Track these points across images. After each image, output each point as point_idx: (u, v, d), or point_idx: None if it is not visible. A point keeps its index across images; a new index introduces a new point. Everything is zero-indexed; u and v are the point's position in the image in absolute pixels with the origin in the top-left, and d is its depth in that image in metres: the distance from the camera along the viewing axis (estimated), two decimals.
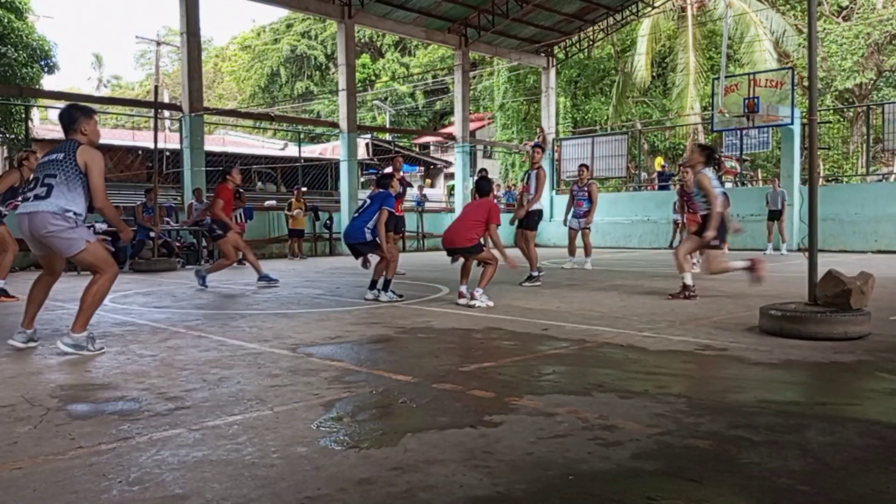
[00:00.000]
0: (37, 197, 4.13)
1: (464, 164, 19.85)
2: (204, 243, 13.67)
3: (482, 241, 6.86)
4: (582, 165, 12.03)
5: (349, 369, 3.78)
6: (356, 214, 7.30)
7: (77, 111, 4.41)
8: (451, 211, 19.83)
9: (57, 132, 22.03)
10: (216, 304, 6.88)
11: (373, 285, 7.16)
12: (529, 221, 9.19)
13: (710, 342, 4.50)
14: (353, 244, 7.19)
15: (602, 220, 14.58)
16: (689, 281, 6.99)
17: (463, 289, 6.68)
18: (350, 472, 2.23)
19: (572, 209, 11.21)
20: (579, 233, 11.24)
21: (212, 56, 47.80)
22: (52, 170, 4.19)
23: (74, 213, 4.16)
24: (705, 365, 3.90)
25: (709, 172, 6.79)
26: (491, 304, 6.44)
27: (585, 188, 11.19)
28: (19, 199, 4.87)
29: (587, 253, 11.30)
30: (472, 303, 6.43)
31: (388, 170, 10.71)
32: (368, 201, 7.31)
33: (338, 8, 16.80)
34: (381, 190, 7.38)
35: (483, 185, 7.38)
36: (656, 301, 6.75)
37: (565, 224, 11.40)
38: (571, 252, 11.33)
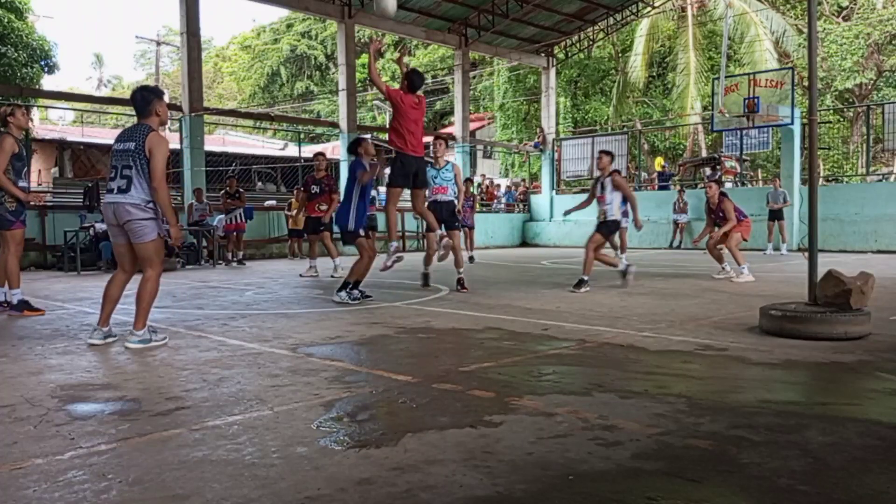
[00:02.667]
0: (119, 190, 4.37)
1: (464, 164, 19.85)
2: (205, 243, 13.68)
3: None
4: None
5: (349, 369, 3.77)
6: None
7: (149, 92, 4.55)
8: None
9: (57, 132, 22.04)
10: (216, 304, 6.88)
11: (353, 285, 6.82)
12: (607, 228, 8.44)
13: (710, 342, 4.50)
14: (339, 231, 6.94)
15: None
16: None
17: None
18: (350, 472, 2.23)
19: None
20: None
21: (212, 56, 47.78)
22: (127, 160, 4.37)
23: (154, 204, 4.41)
24: (705, 365, 3.90)
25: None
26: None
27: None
28: (43, 187, 4.95)
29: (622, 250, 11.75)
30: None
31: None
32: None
33: (338, 8, 16.80)
34: (353, 159, 7.00)
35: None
36: (656, 301, 6.75)
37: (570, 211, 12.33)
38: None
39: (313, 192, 9.87)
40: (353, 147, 7.09)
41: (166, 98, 5.32)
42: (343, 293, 6.69)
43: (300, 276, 9.86)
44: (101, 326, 4.59)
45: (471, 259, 12.55)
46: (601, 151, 8.59)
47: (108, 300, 4.61)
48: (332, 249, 10.07)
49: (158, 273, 4.53)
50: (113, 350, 4.38)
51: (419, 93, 7.21)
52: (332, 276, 9.55)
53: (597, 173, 8.92)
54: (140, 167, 4.34)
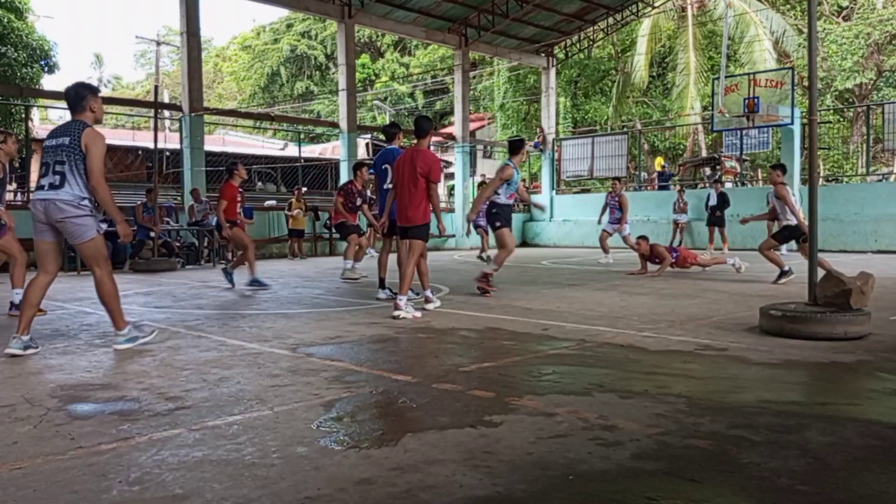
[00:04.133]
0: (51, 186, 4.17)
1: (464, 164, 19.83)
2: (205, 243, 13.68)
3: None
4: (615, 179, 13.87)
5: (349, 369, 3.77)
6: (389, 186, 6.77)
7: (85, 88, 4.41)
8: (452, 211, 19.80)
9: None
10: (216, 304, 6.88)
11: (382, 283, 7.08)
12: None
13: (710, 342, 4.50)
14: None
15: (603, 221, 14.65)
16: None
17: (429, 293, 6.41)
18: (350, 472, 2.23)
19: (606, 214, 12.95)
20: (611, 235, 12.84)
21: (212, 56, 47.78)
22: (60, 156, 4.20)
23: (89, 201, 4.23)
24: (705, 365, 3.90)
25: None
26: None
27: (617, 198, 12.80)
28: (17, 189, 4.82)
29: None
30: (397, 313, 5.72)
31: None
32: (387, 167, 6.91)
33: (338, 8, 16.80)
34: (392, 147, 7.11)
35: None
36: (656, 301, 6.75)
37: (599, 223, 13.38)
38: (605, 250, 12.87)
39: (357, 203, 9.41)
40: (390, 132, 7.36)
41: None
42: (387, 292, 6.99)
43: (343, 279, 9.40)
44: (20, 334, 4.21)
45: (487, 259, 12.07)
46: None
47: (27, 305, 4.28)
48: (353, 250, 9.90)
49: (108, 270, 4.33)
50: (113, 350, 4.37)
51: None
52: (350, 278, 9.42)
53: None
54: (75, 163, 4.16)
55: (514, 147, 7.78)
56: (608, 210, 12.89)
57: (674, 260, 9.60)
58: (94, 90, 4.45)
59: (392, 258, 7.09)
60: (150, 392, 3.29)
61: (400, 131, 7.47)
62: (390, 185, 6.64)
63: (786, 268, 8.28)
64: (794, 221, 8.09)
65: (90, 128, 4.26)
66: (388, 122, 8.07)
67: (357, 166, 9.63)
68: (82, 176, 4.19)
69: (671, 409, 2.91)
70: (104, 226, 12.01)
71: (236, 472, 2.23)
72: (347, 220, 9.45)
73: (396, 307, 5.72)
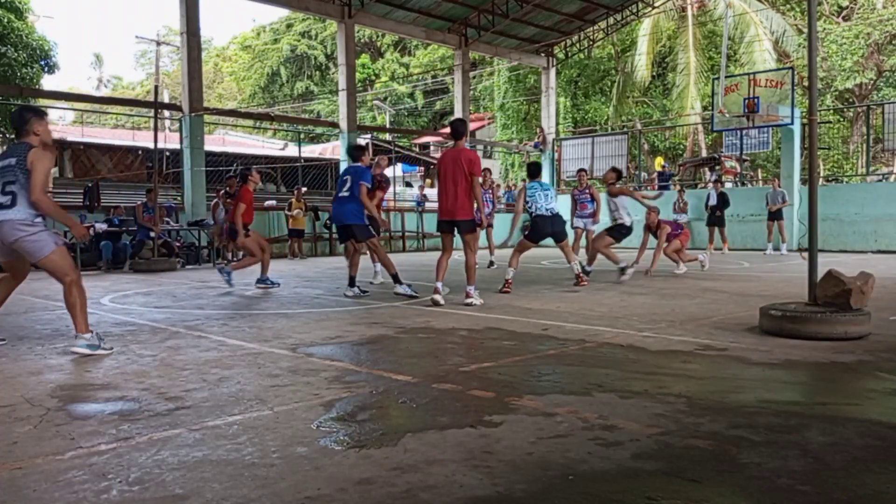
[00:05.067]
0: (2, 206, 4.19)
1: None
2: (204, 243, 13.68)
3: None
4: (581, 170, 12.46)
5: (349, 369, 3.77)
6: (346, 194, 7.27)
7: (29, 112, 4.43)
8: None
9: (57, 132, 22.04)
10: (216, 304, 6.88)
11: (352, 282, 7.34)
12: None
13: (710, 342, 4.50)
14: (348, 226, 7.31)
15: (603, 221, 14.56)
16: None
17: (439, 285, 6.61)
18: (350, 472, 2.23)
19: (577, 211, 11.77)
20: (584, 232, 11.79)
21: (212, 56, 47.78)
22: (10, 176, 4.22)
23: (42, 219, 4.26)
24: (705, 365, 3.90)
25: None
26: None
27: (587, 191, 11.73)
28: None
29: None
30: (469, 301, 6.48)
31: (361, 142, 10.71)
32: (347, 178, 7.30)
33: (338, 8, 16.80)
34: (356, 165, 7.44)
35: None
36: (656, 301, 6.75)
37: (571, 225, 11.61)
38: (575, 251, 11.43)
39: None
40: (355, 154, 7.66)
41: (57, 116, 5.20)
42: (402, 287, 7.22)
43: (371, 282, 9.16)
44: None
45: (490, 264, 11.58)
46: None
47: None
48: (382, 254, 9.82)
49: (75, 279, 4.33)
50: (113, 350, 4.37)
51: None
52: (372, 283, 9.35)
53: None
54: (24, 182, 4.17)
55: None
56: (578, 205, 11.69)
57: (676, 234, 9.85)
58: (39, 113, 4.46)
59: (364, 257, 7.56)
60: (150, 392, 3.29)
61: (364, 153, 7.70)
62: (346, 194, 7.25)
63: (622, 264, 8.89)
64: (628, 221, 9.04)
65: (36, 148, 4.28)
66: (353, 145, 8.34)
67: (375, 153, 9.67)
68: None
69: (671, 409, 2.91)
70: (104, 225, 11.95)
71: (236, 472, 2.23)
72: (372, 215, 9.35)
73: (468, 296, 6.50)
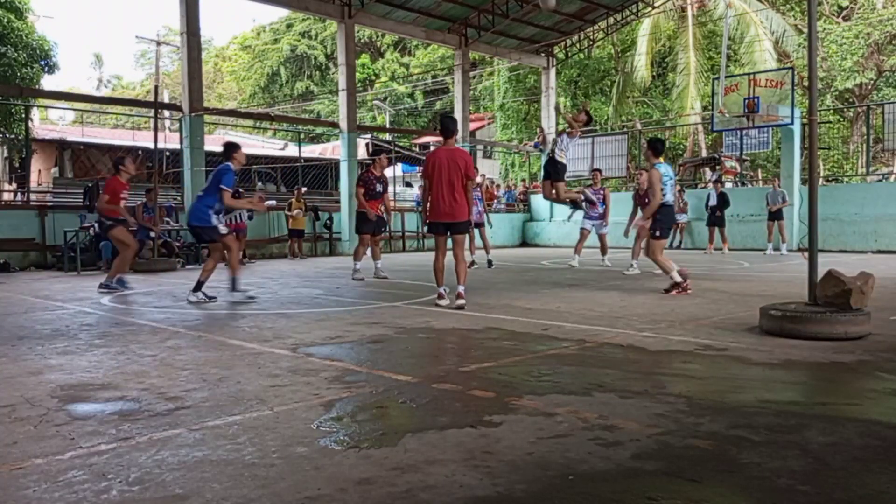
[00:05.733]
0: None
1: None
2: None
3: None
4: (595, 170, 12.36)
5: (349, 369, 3.77)
6: (200, 193, 6.95)
7: None
8: None
9: (57, 132, 22.05)
10: (216, 305, 6.88)
11: (198, 287, 6.78)
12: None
13: (710, 342, 4.50)
14: (194, 227, 6.82)
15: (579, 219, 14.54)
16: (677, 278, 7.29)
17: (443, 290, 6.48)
18: (350, 472, 2.23)
19: (587, 212, 11.47)
20: (591, 234, 11.66)
21: (212, 56, 47.78)
22: None
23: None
24: (705, 365, 3.90)
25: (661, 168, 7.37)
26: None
27: (601, 191, 11.56)
28: None
29: (603, 252, 11.76)
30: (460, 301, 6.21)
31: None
32: (211, 177, 6.82)
33: (338, 8, 16.79)
34: (224, 164, 6.76)
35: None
36: (656, 301, 6.75)
37: (568, 219, 11.73)
38: (578, 251, 11.53)
39: (378, 190, 9.33)
40: (227, 152, 6.99)
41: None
42: (197, 295, 6.74)
43: (378, 277, 9.37)
44: None
45: (489, 263, 11.43)
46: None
47: None
48: (377, 251, 9.85)
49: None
50: (113, 350, 4.37)
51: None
52: (379, 277, 9.33)
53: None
54: None
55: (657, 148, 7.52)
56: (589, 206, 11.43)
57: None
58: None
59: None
60: (150, 392, 3.29)
61: (236, 152, 6.96)
62: (200, 194, 6.93)
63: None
64: (564, 160, 8.87)
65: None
66: (227, 142, 7.50)
67: (375, 153, 9.61)
68: None
69: (671, 409, 2.91)
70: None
71: (236, 472, 2.23)
72: (367, 212, 9.23)
73: (459, 296, 6.24)
